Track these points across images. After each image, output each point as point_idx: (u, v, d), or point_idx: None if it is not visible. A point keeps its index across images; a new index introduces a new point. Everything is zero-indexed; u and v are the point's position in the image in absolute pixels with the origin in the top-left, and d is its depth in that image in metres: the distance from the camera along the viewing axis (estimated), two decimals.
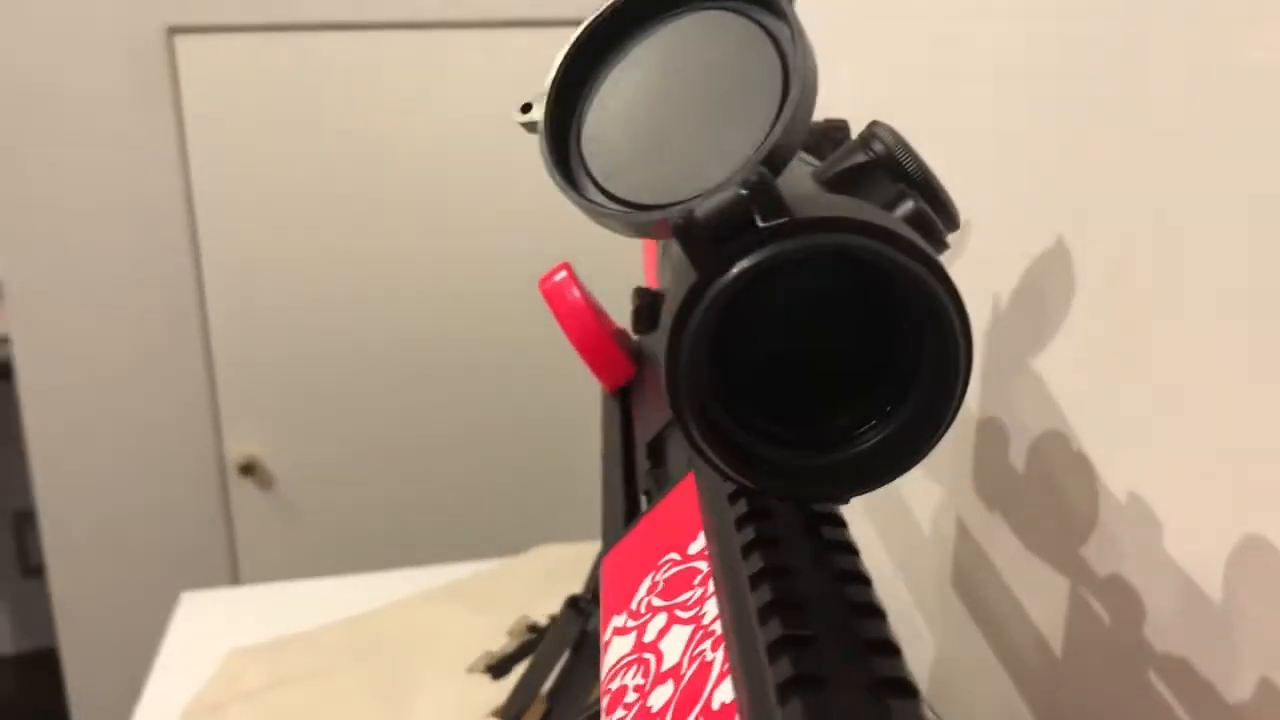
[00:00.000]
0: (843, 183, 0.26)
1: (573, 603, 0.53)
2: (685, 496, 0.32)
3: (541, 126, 0.25)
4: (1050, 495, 0.59)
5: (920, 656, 0.75)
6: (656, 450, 0.38)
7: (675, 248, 0.25)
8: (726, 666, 0.24)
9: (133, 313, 1.33)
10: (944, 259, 0.24)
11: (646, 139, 0.24)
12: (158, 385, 1.36)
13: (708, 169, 0.23)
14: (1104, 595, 0.55)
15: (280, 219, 1.33)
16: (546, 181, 0.25)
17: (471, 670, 0.70)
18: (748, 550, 0.23)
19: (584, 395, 1.38)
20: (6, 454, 2.20)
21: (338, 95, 1.30)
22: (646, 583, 0.30)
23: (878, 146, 0.26)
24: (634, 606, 0.30)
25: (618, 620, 0.30)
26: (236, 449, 1.37)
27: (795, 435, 0.24)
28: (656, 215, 0.23)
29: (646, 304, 0.37)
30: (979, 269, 0.64)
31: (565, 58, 0.25)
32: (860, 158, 0.26)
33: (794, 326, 0.24)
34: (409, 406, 1.42)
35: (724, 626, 0.24)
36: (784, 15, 0.24)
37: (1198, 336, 0.45)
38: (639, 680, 0.27)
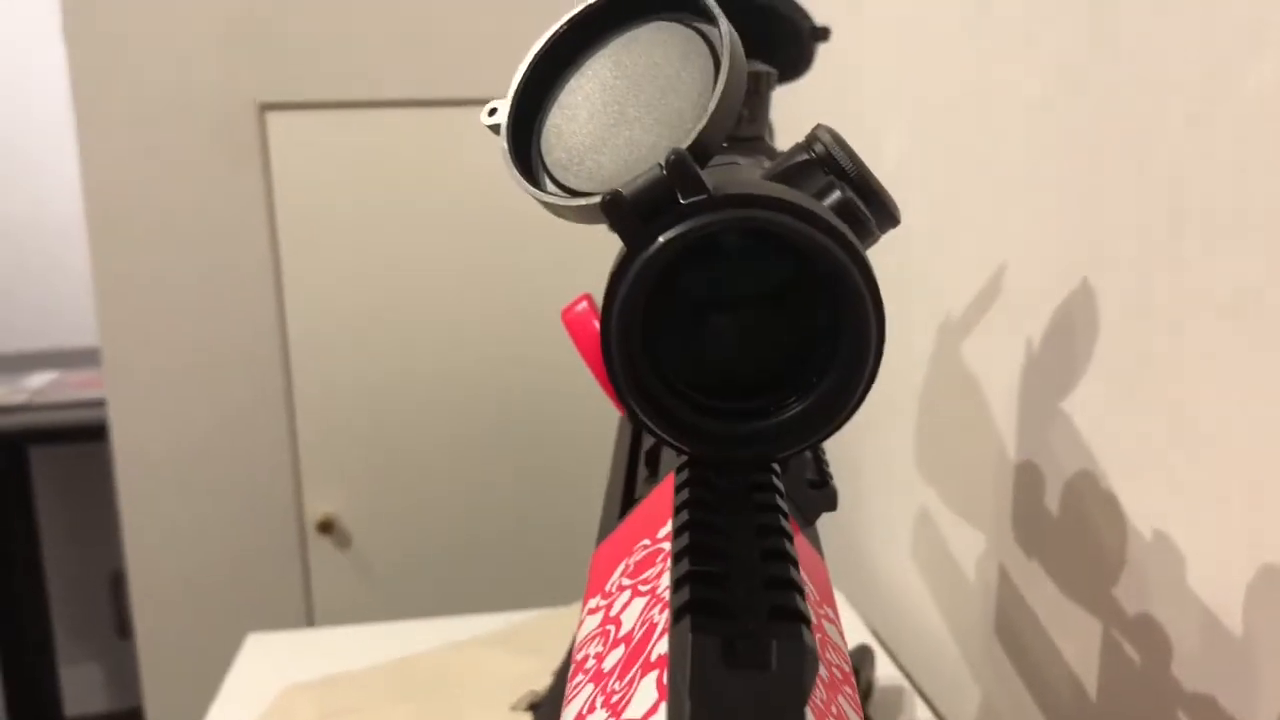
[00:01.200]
0: (783, 179, 0.28)
1: None
2: (664, 492, 0.34)
3: (504, 128, 0.28)
4: (1084, 536, 0.59)
5: (965, 710, 0.74)
6: (653, 460, 0.40)
7: None
8: (666, 623, 0.25)
9: (221, 376, 1.39)
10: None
11: (596, 137, 0.27)
12: (243, 446, 1.41)
13: (646, 160, 0.25)
14: (1133, 634, 0.54)
15: (362, 287, 1.38)
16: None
17: (514, 708, 0.71)
18: (679, 510, 0.25)
19: None
20: (107, 516, 2.29)
21: (417, 168, 1.36)
22: (621, 567, 0.32)
23: (818, 147, 0.28)
24: (607, 588, 0.32)
25: (592, 602, 0.32)
26: (316, 508, 1.41)
27: (726, 405, 0.25)
28: (595, 199, 0.25)
29: None
30: (1013, 312, 0.65)
31: (528, 67, 0.28)
32: (803, 157, 0.28)
33: (730, 308, 0.26)
34: (483, 470, 1.45)
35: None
36: (715, 21, 0.26)
37: (1213, 369, 0.46)
38: (599, 649, 0.29)
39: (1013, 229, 0.64)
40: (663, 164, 0.23)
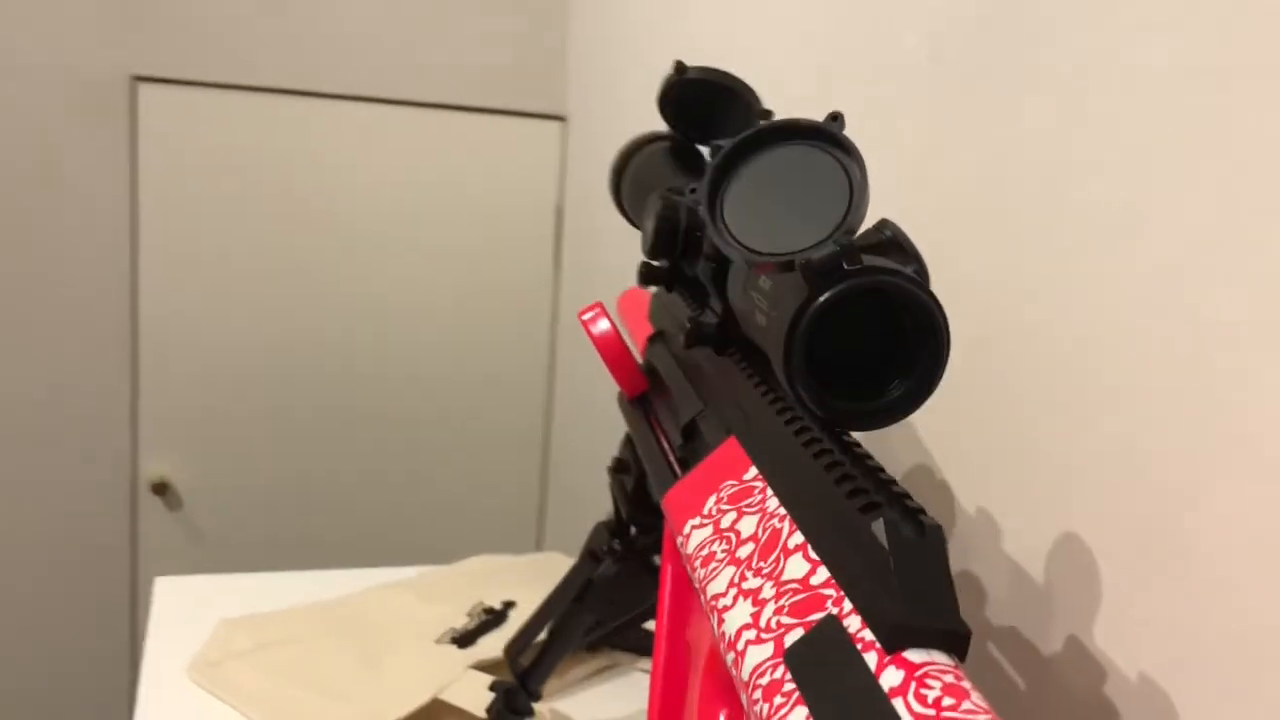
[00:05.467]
0: (876, 251, 0.43)
1: (591, 553, 0.67)
2: (730, 450, 0.48)
3: (703, 205, 0.42)
4: None
5: None
6: (690, 431, 0.54)
7: (769, 281, 0.43)
8: (794, 525, 0.40)
9: (65, 338, 1.41)
10: None
11: (763, 215, 0.42)
12: (82, 404, 1.43)
13: (800, 236, 0.40)
14: (958, 590, 0.73)
15: (217, 255, 1.44)
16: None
17: (439, 641, 0.83)
18: (818, 454, 0.40)
19: (491, 429, 1.53)
20: None
21: (281, 153, 1.44)
22: (713, 498, 0.46)
23: (888, 232, 0.44)
24: (705, 511, 0.46)
25: (693, 521, 0.46)
26: (151, 469, 1.45)
27: (853, 390, 0.41)
28: (767, 258, 0.40)
29: (696, 329, 0.53)
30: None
31: (716, 166, 0.43)
32: (878, 238, 0.44)
33: (857, 334, 0.41)
34: (319, 439, 1.53)
35: (790, 506, 0.41)
36: (850, 152, 0.41)
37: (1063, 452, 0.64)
38: (725, 547, 0.43)
39: None
40: (837, 244, 0.38)
